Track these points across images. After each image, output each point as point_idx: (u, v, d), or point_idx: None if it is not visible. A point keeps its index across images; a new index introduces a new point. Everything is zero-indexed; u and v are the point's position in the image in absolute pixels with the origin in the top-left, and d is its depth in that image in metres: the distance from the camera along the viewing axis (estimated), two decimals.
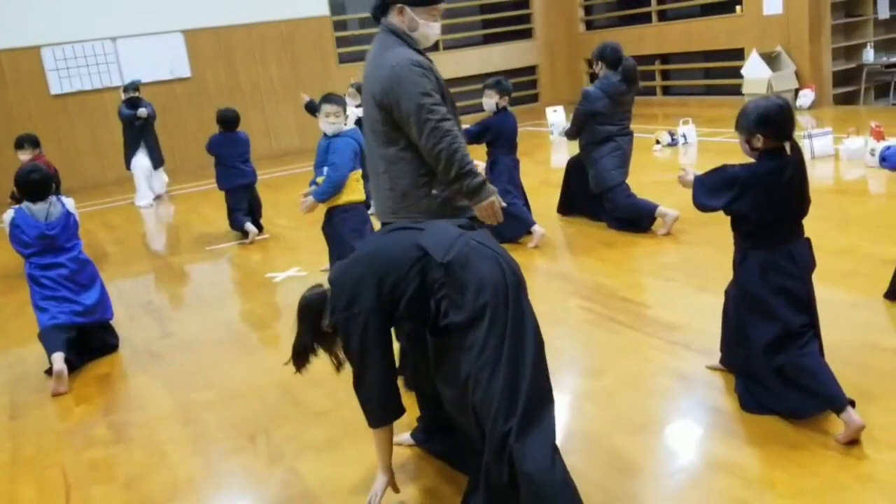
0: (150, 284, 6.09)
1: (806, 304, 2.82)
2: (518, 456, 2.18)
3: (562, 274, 5.01)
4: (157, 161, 9.49)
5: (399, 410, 2.56)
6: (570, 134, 5.75)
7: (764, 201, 2.74)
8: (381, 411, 2.54)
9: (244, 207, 6.88)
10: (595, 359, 3.70)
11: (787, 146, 2.76)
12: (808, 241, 2.87)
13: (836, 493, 2.45)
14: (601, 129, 5.45)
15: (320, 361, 4.08)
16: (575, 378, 3.54)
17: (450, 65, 12.12)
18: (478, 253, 2.36)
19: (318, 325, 2.59)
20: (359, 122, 6.26)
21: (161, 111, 10.06)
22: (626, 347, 3.73)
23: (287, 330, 4.38)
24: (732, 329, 3.02)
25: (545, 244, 5.49)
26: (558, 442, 2.29)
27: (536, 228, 5.48)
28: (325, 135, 5.00)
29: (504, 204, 3.10)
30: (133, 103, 8.95)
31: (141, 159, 9.26)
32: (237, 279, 5.92)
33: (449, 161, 2.91)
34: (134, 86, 9.15)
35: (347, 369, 2.61)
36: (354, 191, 4.94)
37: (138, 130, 9.14)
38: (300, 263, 5.85)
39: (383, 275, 2.39)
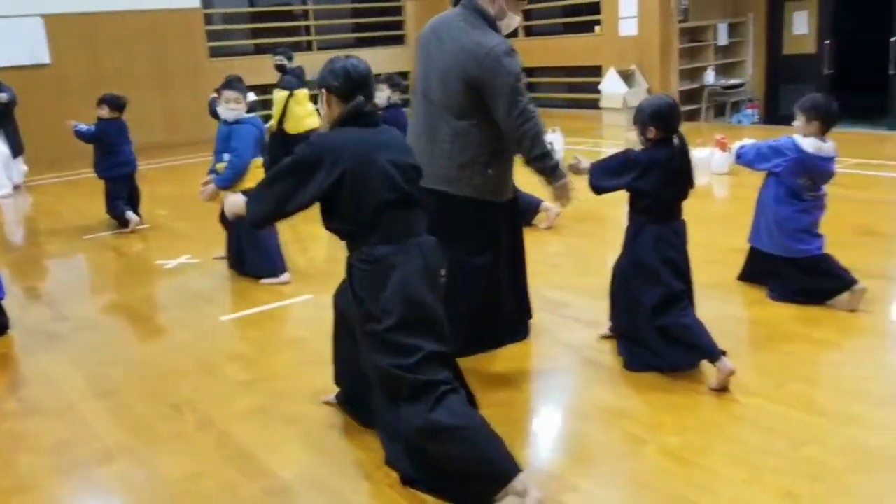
0: (31, 271, 5.90)
1: (685, 273, 3.35)
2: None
3: None
4: (16, 149, 9.08)
5: None
6: None
7: (660, 181, 3.23)
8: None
9: (125, 196, 6.78)
10: None
11: (675, 138, 3.26)
12: (685, 221, 3.39)
13: (714, 429, 2.93)
14: None
15: (237, 338, 4.26)
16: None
17: (320, 65, 12.26)
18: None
19: None
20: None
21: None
22: None
23: (194, 313, 4.52)
24: (621, 298, 3.47)
25: None
26: (482, 396, 2.60)
27: None
28: (224, 122, 5.08)
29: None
30: None
31: None
32: (125, 266, 5.86)
33: (534, 140, 3.21)
34: None
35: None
36: (256, 177, 5.04)
37: None
38: (189, 251, 5.88)
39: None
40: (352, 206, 2.57)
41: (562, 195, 3.40)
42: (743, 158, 4.16)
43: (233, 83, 5.11)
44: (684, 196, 3.38)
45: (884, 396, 3.07)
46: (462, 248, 3.41)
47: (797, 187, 3.98)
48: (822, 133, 3.94)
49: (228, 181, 4.91)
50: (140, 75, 11.80)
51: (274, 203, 2.63)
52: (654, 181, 3.26)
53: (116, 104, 6.64)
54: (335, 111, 2.66)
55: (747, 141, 4.28)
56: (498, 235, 3.55)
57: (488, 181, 3.38)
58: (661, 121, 3.26)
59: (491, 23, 3.31)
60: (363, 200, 2.56)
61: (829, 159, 3.98)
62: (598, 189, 3.40)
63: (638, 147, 3.40)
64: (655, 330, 3.28)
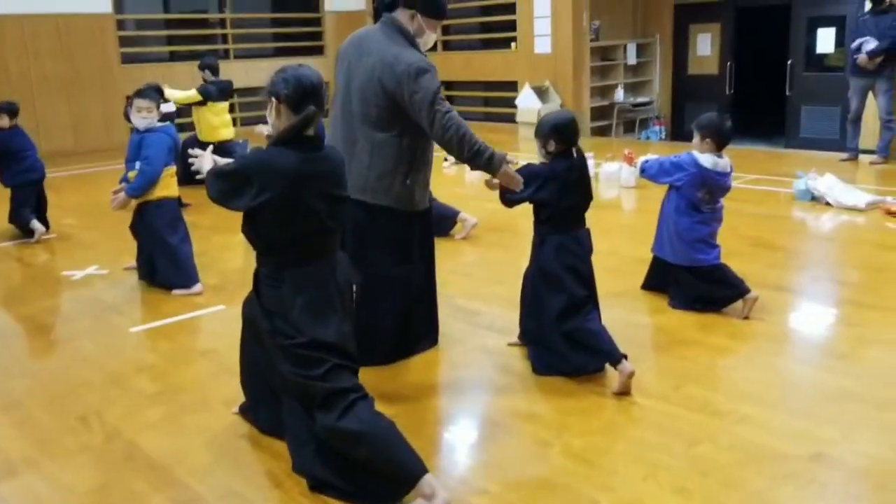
0: None
1: (588, 280, 3.50)
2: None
3: None
4: None
5: None
6: None
7: (559, 191, 3.39)
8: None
9: (32, 204, 6.56)
10: None
11: (574, 151, 3.42)
12: (588, 230, 3.55)
13: (616, 431, 3.07)
14: None
15: (146, 350, 4.21)
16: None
17: (239, 74, 12.14)
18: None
19: None
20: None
21: None
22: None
23: (102, 324, 4.43)
24: (529, 304, 3.61)
25: None
26: (389, 402, 2.67)
27: None
28: (136, 130, 5.02)
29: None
30: None
31: None
32: (30, 277, 5.67)
33: (461, 144, 3.29)
34: None
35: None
36: (168, 186, 5.01)
37: None
38: (97, 262, 5.75)
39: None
40: (269, 229, 2.60)
41: (508, 181, 3.40)
42: (647, 173, 4.37)
43: (145, 92, 5.05)
44: (585, 206, 3.54)
45: (772, 398, 3.27)
46: (382, 258, 3.52)
47: (696, 200, 4.19)
48: (717, 150, 4.17)
49: (139, 190, 4.85)
50: (47, 81, 11.41)
51: (219, 195, 2.64)
52: (553, 192, 3.40)
53: (12, 111, 6.44)
54: (284, 121, 2.59)
55: (651, 156, 4.49)
56: (415, 244, 3.64)
57: (406, 191, 3.48)
58: (560, 134, 3.42)
59: (410, 39, 3.44)
60: (281, 229, 2.58)
61: (726, 174, 4.22)
62: (507, 202, 3.52)
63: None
64: (561, 335, 3.42)
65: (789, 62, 10.88)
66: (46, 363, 4.04)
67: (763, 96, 11.92)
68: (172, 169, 4.99)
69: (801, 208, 6.66)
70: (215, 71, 8.36)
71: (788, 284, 4.73)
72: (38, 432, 3.24)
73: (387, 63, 3.33)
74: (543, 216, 3.48)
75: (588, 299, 3.47)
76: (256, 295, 2.71)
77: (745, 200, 6.90)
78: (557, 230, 3.46)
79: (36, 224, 6.45)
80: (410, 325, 3.73)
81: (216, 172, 2.69)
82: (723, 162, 4.18)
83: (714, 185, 4.19)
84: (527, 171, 3.44)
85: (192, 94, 8.01)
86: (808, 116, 10.90)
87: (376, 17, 3.55)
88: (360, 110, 3.43)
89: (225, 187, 2.61)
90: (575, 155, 3.47)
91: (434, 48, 14.20)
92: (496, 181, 3.53)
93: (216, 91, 8.10)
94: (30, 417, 3.38)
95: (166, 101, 8.08)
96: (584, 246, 3.52)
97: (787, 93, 10.98)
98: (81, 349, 4.17)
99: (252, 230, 2.64)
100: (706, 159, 4.13)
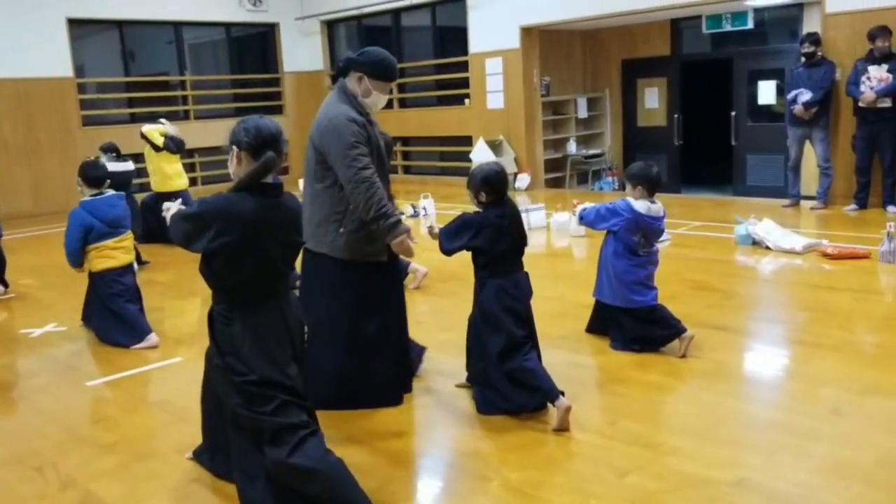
0: None
1: (525, 321, 3.68)
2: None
3: None
4: None
5: None
6: None
7: (493, 238, 3.60)
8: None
9: None
10: None
11: (505, 200, 3.67)
12: (526, 274, 3.76)
13: (553, 465, 3.23)
14: None
15: (102, 402, 4.28)
16: None
17: (199, 133, 12.35)
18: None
19: None
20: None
21: None
22: None
23: (59, 380, 4.50)
24: (473, 346, 3.77)
25: None
26: (338, 440, 2.79)
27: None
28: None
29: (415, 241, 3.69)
30: None
31: None
32: None
33: (367, 204, 3.49)
34: None
35: None
36: (109, 257, 5.10)
37: None
38: (55, 319, 5.82)
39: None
40: (224, 270, 2.72)
41: (401, 250, 3.64)
42: (585, 220, 4.61)
43: (83, 168, 5.20)
44: (520, 251, 3.74)
45: (701, 429, 3.46)
46: (322, 302, 3.69)
47: (633, 244, 4.42)
48: (649, 195, 4.42)
49: (69, 260, 5.11)
50: (5, 144, 11.53)
51: (181, 237, 2.76)
52: (487, 239, 3.61)
53: None
54: (245, 167, 2.72)
55: (588, 204, 4.73)
56: (361, 295, 3.76)
57: (339, 239, 3.66)
58: (490, 185, 3.65)
59: (354, 101, 3.66)
60: (236, 271, 2.71)
61: (659, 218, 4.46)
62: (445, 251, 3.73)
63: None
64: (503, 374, 3.59)
65: (733, 113, 11.35)
66: (3, 418, 4.11)
67: (710, 146, 12.38)
68: (110, 241, 5.08)
69: (741, 252, 6.95)
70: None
71: (725, 324, 4.95)
72: None
73: (317, 120, 3.64)
74: (481, 262, 3.69)
75: (527, 339, 3.65)
76: (210, 332, 2.83)
77: (689, 246, 7.19)
78: (495, 274, 3.65)
79: None
80: (361, 375, 3.78)
81: (180, 215, 2.81)
82: (655, 207, 4.43)
83: (648, 229, 4.43)
84: (461, 221, 3.66)
85: (159, 130, 8.38)
86: (753, 165, 11.33)
87: (334, 82, 3.79)
88: (305, 166, 3.74)
89: (187, 229, 2.73)
90: (506, 203, 3.70)
91: (390, 106, 14.56)
92: (435, 231, 3.74)
93: (172, 143, 8.43)
94: None
95: (124, 158, 8.28)
96: (521, 288, 3.71)
97: (733, 142, 11.42)
98: (38, 403, 4.24)
99: (208, 270, 2.76)
100: (640, 205, 4.38)
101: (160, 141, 8.37)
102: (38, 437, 3.76)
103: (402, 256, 3.74)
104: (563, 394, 3.49)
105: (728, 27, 11.06)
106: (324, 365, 3.68)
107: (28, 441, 3.71)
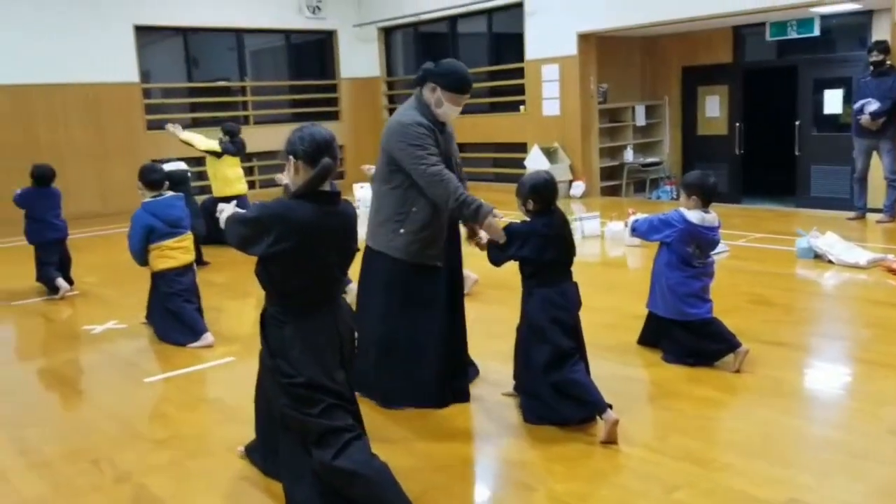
0: None
1: (573, 332, 3.64)
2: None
3: None
4: None
5: None
6: None
7: (539, 247, 3.58)
8: None
9: (55, 262, 6.86)
10: None
11: (553, 209, 3.65)
12: (575, 284, 3.72)
13: (600, 478, 3.19)
14: None
15: (158, 399, 4.39)
16: None
17: (259, 138, 12.58)
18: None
19: None
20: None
21: None
22: None
23: (118, 376, 4.63)
24: (520, 356, 3.76)
25: None
26: (384, 445, 2.81)
27: (352, 286, 6.03)
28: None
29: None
30: None
31: None
32: (53, 332, 5.92)
33: (445, 195, 3.63)
34: None
35: None
36: (168, 257, 5.26)
37: None
38: (116, 317, 5.99)
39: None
40: (280, 274, 2.77)
41: (492, 232, 3.67)
42: (637, 231, 4.55)
43: (141, 172, 5.38)
44: (568, 261, 3.70)
45: (753, 447, 3.38)
46: (373, 299, 3.81)
47: (687, 255, 4.35)
48: (704, 206, 4.35)
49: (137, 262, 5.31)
50: (75, 147, 11.93)
51: (239, 240, 2.81)
52: (534, 249, 3.59)
53: (34, 175, 6.79)
54: (303, 176, 2.75)
55: (641, 216, 4.67)
56: (408, 294, 3.83)
57: (397, 239, 3.77)
58: (538, 194, 3.64)
59: (424, 108, 3.77)
60: (292, 276, 2.75)
61: (714, 229, 4.38)
62: (494, 262, 3.73)
63: None
64: (549, 385, 3.56)
65: (797, 123, 11.09)
66: (64, 412, 4.25)
67: (772, 156, 12.12)
68: (170, 241, 5.22)
69: (802, 266, 6.78)
70: (233, 135, 8.76)
71: (782, 339, 4.83)
72: (53, 475, 3.42)
73: (388, 125, 3.83)
74: (528, 271, 3.67)
75: (574, 351, 3.60)
76: (262, 333, 2.88)
77: (748, 258, 7.04)
78: (542, 284, 3.63)
79: (61, 282, 6.74)
80: (425, 373, 3.87)
81: (237, 219, 2.85)
82: (710, 217, 4.35)
83: (703, 240, 4.35)
84: (509, 230, 3.66)
85: (213, 145, 8.48)
86: (817, 176, 11.06)
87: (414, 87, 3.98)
88: (377, 169, 3.94)
89: (244, 233, 2.78)
90: (554, 213, 3.67)
91: None
92: (484, 242, 3.74)
93: (233, 147, 8.56)
94: (45, 462, 3.56)
95: (175, 160, 8.50)
96: (569, 299, 3.67)
97: (797, 153, 11.16)
98: (97, 399, 4.38)
99: (265, 273, 2.80)
100: (693, 215, 4.31)
101: (217, 148, 8.51)
102: (95, 431, 3.88)
103: (490, 237, 3.70)
104: (610, 406, 3.45)
105: (793, 34, 10.81)
106: (383, 363, 3.83)
107: (86, 435, 3.83)
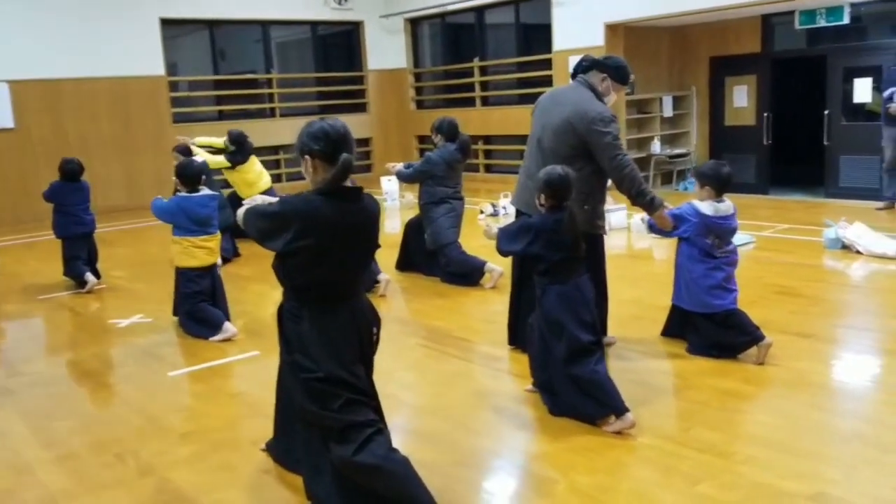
0: None
1: (592, 326, 3.59)
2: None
3: (401, 319, 5.60)
4: None
5: None
6: (405, 177, 6.50)
7: (548, 245, 3.55)
8: None
9: (83, 256, 6.93)
10: (433, 385, 4.28)
11: (565, 206, 3.60)
12: (587, 275, 3.68)
13: (622, 470, 3.17)
14: (438, 189, 6.23)
15: (182, 393, 4.43)
16: (419, 398, 4.11)
17: (285, 130, 12.65)
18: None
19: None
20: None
21: None
22: (459, 375, 4.38)
23: (143, 369, 4.68)
24: (538, 352, 3.72)
25: (388, 293, 6.10)
26: (413, 439, 2.81)
27: (382, 276, 6.07)
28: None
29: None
30: None
31: None
32: (80, 325, 6.00)
33: (631, 183, 4.14)
34: None
35: None
36: (193, 255, 5.28)
37: None
38: (142, 311, 6.04)
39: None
40: (297, 270, 2.71)
41: (661, 223, 4.31)
42: (654, 229, 4.51)
43: (177, 168, 5.45)
44: (579, 257, 3.65)
45: (778, 439, 3.33)
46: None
47: (707, 247, 4.30)
48: (717, 195, 4.29)
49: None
50: (103, 140, 12.05)
51: (259, 233, 2.74)
52: (543, 246, 3.56)
53: (63, 170, 6.85)
54: (321, 173, 2.66)
55: None
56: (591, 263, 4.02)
57: (585, 215, 4.08)
58: (550, 189, 3.58)
59: (598, 96, 4.19)
60: (310, 273, 2.69)
61: (729, 217, 4.31)
62: (502, 252, 3.73)
63: None
64: (568, 379, 3.52)
65: (826, 112, 10.91)
66: (89, 405, 4.30)
67: (801, 146, 11.93)
68: (196, 238, 5.25)
69: (830, 257, 6.68)
70: (236, 141, 8.50)
71: (809, 331, 4.76)
72: (78, 467, 3.46)
73: (580, 112, 4.09)
74: (541, 268, 3.63)
75: (595, 346, 3.56)
76: (279, 328, 2.86)
77: (774, 249, 6.95)
78: (556, 281, 3.58)
79: (89, 276, 6.81)
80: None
81: (258, 211, 2.76)
82: (724, 206, 4.29)
83: (720, 230, 4.29)
84: (520, 223, 3.65)
85: (221, 161, 8.29)
86: (846, 166, 10.87)
87: (573, 76, 4.35)
88: (552, 147, 4.16)
89: (264, 227, 2.71)
90: (564, 210, 3.60)
91: (472, 103, 14.58)
92: (493, 232, 3.73)
93: (243, 157, 8.34)
94: (70, 454, 3.60)
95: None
96: (584, 292, 3.62)
97: (826, 143, 10.98)
98: (122, 392, 4.42)
99: (282, 268, 2.75)
100: (706, 207, 4.25)
101: (225, 164, 8.23)
102: (120, 424, 3.92)
103: (659, 225, 4.35)
104: (628, 410, 3.45)
105: (823, 23, 10.61)
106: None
107: (111, 428, 3.87)
